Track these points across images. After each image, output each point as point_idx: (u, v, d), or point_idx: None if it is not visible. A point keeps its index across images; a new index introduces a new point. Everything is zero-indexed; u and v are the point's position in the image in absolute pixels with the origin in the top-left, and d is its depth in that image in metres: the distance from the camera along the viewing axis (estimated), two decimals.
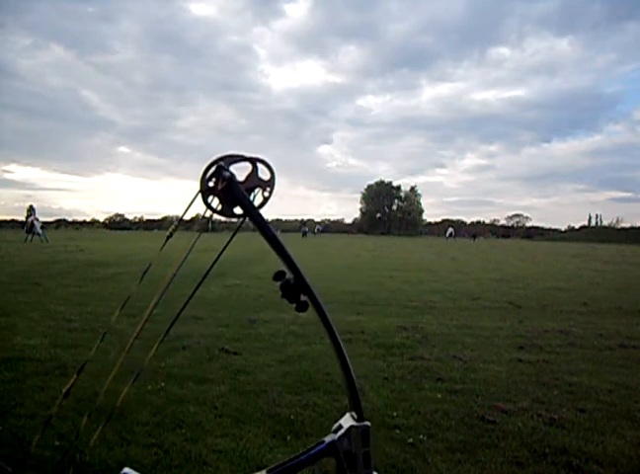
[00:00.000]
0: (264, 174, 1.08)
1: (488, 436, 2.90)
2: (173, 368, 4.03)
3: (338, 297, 8.29)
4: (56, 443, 2.56)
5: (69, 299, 7.39)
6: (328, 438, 0.98)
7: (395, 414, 3.19)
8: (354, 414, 1.01)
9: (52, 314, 6.16)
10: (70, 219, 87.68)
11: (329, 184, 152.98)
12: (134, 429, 2.85)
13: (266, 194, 1.08)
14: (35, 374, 3.71)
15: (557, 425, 3.09)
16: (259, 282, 9.68)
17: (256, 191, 1.08)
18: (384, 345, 5.04)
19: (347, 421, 1.01)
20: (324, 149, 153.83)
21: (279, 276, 1.05)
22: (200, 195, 1.05)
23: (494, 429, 3.01)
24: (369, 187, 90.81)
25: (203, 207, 1.07)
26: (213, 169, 1.03)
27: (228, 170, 1.03)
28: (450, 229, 54.74)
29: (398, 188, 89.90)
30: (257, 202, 1.07)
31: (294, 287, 1.03)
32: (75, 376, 1.06)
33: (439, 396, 3.56)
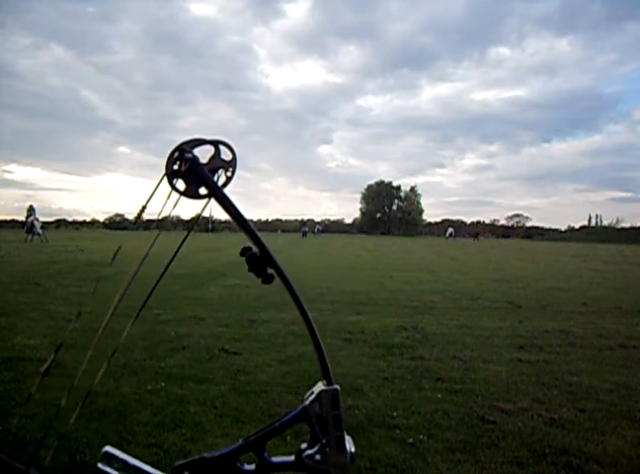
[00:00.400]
0: (226, 155, 1.13)
1: (488, 436, 2.90)
2: (173, 368, 4.03)
3: (338, 297, 8.29)
4: (56, 443, 2.56)
5: (69, 299, 7.38)
6: (301, 405, 1.04)
7: (395, 414, 3.19)
8: (325, 382, 1.07)
9: (52, 314, 6.16)
10: (70, 219, 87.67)
11: (329, 184, 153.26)
12: (134, 429, 2.85)
13: (228, 174, 1.13)
14: (35, 374, 3.70)
15: (557, 425, 3.09)
16: (259, 283, 9.63)
17: (219, 172, 1.12)
18: (384, 345, 5.04)
19: (318, 387, 1.06)
20: (324, 149, 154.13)
21: (245, 251, 1.11)
22: (165, 178, 1.09)
23: (494, 429, 3.01)
24: (369, 187, 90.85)
25: (175, 196, 1.12)
26: (177, 153, 1.08)
27: (191, 152, 1.08)
28: (450, 229, 54.74)
29: (398, 188, 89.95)
30: (220, 183, 1.12)
31: (260, 261, 1.09)
32: (53, 355, 1.09)
33: (439, 396, 3.56)
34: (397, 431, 2.94)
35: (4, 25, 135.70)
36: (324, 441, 1.00)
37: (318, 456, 1.00)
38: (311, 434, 1.02)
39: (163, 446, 2.65)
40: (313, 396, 1.04)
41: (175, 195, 1.11)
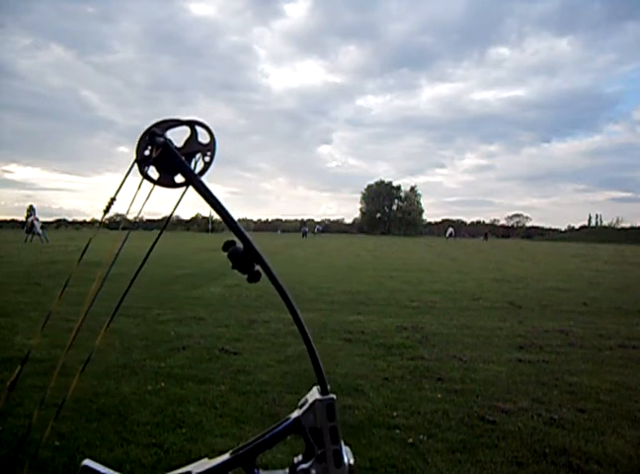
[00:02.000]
0: (204, 138, 1.01)
1: (488, 436, 2.90)
2: (173, 368, 4.03)
3: (338, 297, 8.29)
4: (56, 443, 2.57)
5: (68, 299, 7.38)
6: (294, 414, 0.94)
7: (395, 414, 3.19)
8: (319, 388, 0.96)
9: (52, 314, 6.16)
10: (70, 219, 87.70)
11: (329, 184, 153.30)
12: (134, 429, 2.85)
13: (207, 158, 0.99)
14: (35, 374, 3.70)
15: (557, 425, 3.09)
16: (259, 283, 9.65)
17: (197, 157, 0.99)
18: (384, 345, 5.04)
19: (312, 395, 0.95)
20: (324, 149, 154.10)
21: (227, 245, 0.97)
22: (136, 165, 0.97)
23: (494, 429, 3.01)
24: (369, 187, 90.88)
25: (149, 186, 0.99)
26: (148, 137, 0.95)
27: (163, 136, 0.95)
28: (450, 229, 54.73)
29: (398, 188, 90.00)
30: (198, 169, 0.99)
31: (245, 257, 0.96)
32: (19, 367, 0.99)
33: (439, 396, 3.56)
34: (397, 431, 2.94)
35: (4, 25, 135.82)
36: (319, 454, 0.91)
37: (313, 471, 0.91)
38: (305, 447, 0.93)
39: (163, 446, 2.65)
40: (307, 406, 0.93)
41: (148, 184, 0.98)
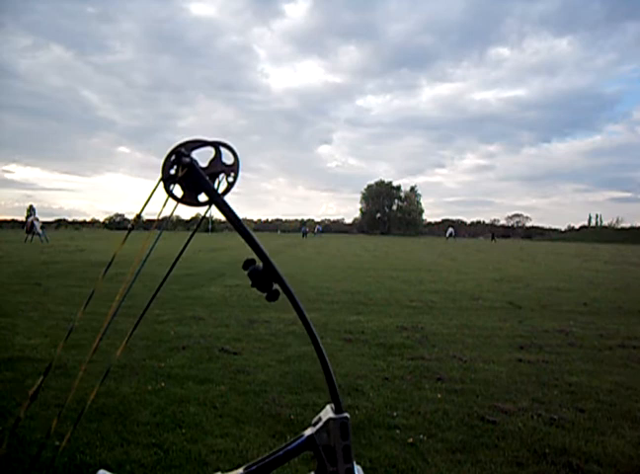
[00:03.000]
0: (227, 159, 1.04)
1: (488, 436, 2.90)
2: (173, 368, 4.03)
3: (338, 297, 8.29)
4: (56, 443, 2.56)
5: (69, 299, 7.39)
6: (307, 432, 0.94)
7: (395, 414, 3.19)
8: (333, 406, 0.98)
9: (52, 314, 6.16)
10: (70, 219, 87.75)
11: (329, 184, 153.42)
12: (134, 429, 2.86)
13: (230, 179, 1.03)
14: (35, 374, 3.70)
15: (557, 425, 3.09)
16: None
17: (220, 177, 1.03)
18: (384, 345, 5.04)
19: (326, 413, 0.97)
20: (324, 149, 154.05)
21: (247, 264, 1.00)
22: (162, 183, 1.00)
23: (494, 429, 3.01)
24: (369, 187, 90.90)
25: (173, 202, 1.02)
26: (174, 156, 0.98)
27: (189, 156, 0.98)
28: (451, 229, 54.70)
29: (398, 188, 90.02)
30: (221, 189, 1.02)
31: (264, 275, 0.98)
32: (42, 377, 1.01)
33: (439, 396, 3.56)
34: (397, 431, 2.94)
35: (4, 25, 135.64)
36: (331, 471, 0.91)
37: None
38: (318, 464, 0.93)
39: (163, 446, 2.65)
40: (321, 424, 0.94)
41: (172, 201, 1.00)
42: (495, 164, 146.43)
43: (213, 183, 1.01)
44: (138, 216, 1.01)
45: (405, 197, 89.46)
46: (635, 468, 2.59)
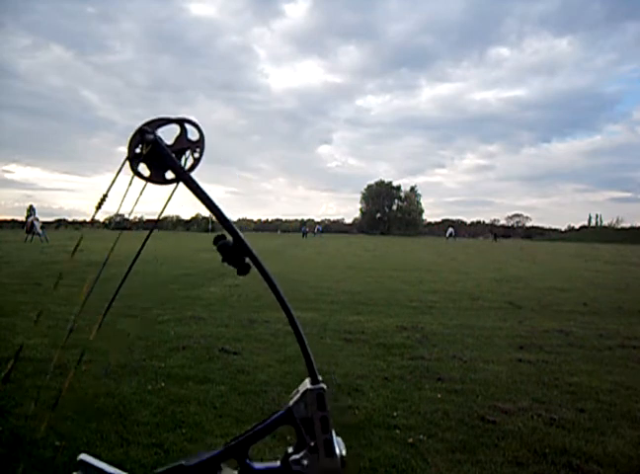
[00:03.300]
0: (193, 135, 1.03)
1: (488, 436, 2.90)
2: (173, 368, 4.03)
3: (338, 297, 8.29)
4: (56, 443, 2.56)
5: (69, 299, 7.38)
6: (286, 405, 0.95)
7: (395, 414, 3.19)
8: (310, 379, 0.97)
9: (52, 314, 6.15)
10: (70, 219, 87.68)
11: (329, 184, 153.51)
12: (134, 429, 2.85)
13: (196, 155, 1.02)
14: (35, 374, 3.70)
15: (557, 425, 3.09)
16: (259, 282, 9.66)
17: (187, 153, 1.01)
18: (384, 345, 5.04)
19: (304, 386, 0.97)
20: (324, 149, 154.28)
21: (217, 239, 1.01)
22: (127, 163, 0.99)
23: (494, 429, 3.01)
24: (369, 187, 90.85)
25: (140, 183, 1.00)
26: (139, 135, 0.98)
27: (153, 133, 0.97)
28: (451, 229, 54.64)
29: (398, 188, 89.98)
30: (188, 166, 1.01)
31: (234, 250, 0.99)
32: (13, 361, 1.01)
33: (439, 396, 3.56)
34: (397, 431, 2.94)
35: (4, 25, 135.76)
36: (312, 445, 0.92)
37: (306, 461, 0.92)
38: (297, 438, 0.93)
39: (163, 446, 2.65)
40: (298, 395, 0.94)
41: (140, 182, 0.99)
42: (495, 164, 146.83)
43: (180, 160, 1.00)
44: (104, 197, 0.99)
45: (405, 197, 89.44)
46: (635, 468, 2.59)
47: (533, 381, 3.96)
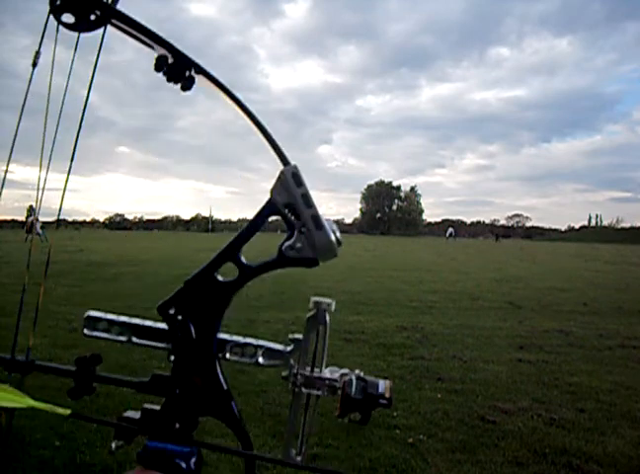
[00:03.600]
0: None
1: (488, 436, 2.90)
2: None
3: (338, 297, 8.27)
4: (56, 443, 2.57)
5: (69, 299, 7.39)
6: (267, 198, 0.93)
7: (395, 414, 3.19)
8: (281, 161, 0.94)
9: (52, 314, 6.15)
10: (70, 219, 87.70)
11: (329, 184, 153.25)
12: None
13: None
14: (34, 374, 3.70)
15: (557, 425, 3.09)
16: (259, 282, 9.65)
17: None
18: (384, 345, 5.04)
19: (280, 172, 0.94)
20: (324, 149, 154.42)
21: (159, 60, 0.93)
22: (51, 16, 0.92)
23: (494, 429, 3.01)
24: (369, 187, 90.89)
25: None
26: None
27: None
28: (451, 229, 54.67)
29: (398, 188, 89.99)
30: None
31: (173, 66, 0.91)
32: None
33: (439, 396, 3.56)
34: (397, 431, 2.94)
35: (4, 25, 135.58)
36: (302, 229, 0.88)
37: (299, 244, 0.89)
38: (287, 227, 0.91)
39: None
40: (275, 181, 0.90)
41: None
42: (495, 164, 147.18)
43: None
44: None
45: (405, 197, 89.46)
46: (635, 468, 2.59)
47: (533, 381, 3.96)
